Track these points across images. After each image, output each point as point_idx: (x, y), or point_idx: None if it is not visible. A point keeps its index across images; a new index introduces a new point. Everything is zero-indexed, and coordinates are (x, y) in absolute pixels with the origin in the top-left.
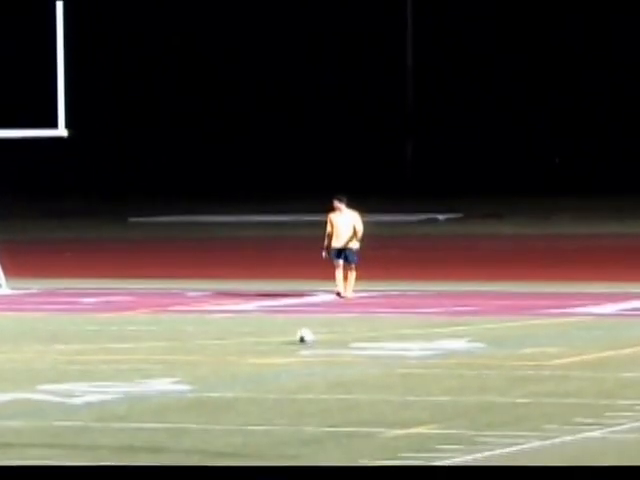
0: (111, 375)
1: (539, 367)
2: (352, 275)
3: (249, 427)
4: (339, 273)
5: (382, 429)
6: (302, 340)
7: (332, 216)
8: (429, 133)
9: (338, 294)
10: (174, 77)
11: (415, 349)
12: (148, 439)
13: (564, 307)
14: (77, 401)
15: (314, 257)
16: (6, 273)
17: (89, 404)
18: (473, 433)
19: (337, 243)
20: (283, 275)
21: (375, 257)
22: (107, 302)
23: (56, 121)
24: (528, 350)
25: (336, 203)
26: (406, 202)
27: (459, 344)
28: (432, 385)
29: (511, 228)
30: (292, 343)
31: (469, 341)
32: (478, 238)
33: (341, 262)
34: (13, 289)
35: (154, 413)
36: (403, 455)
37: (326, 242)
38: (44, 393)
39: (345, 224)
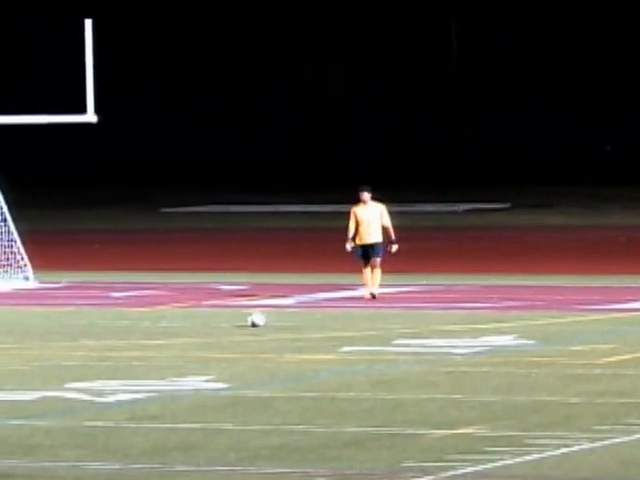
0: (143, 373)
1: (590, 365)
2: (377, 271)
3: (287, 427)
4: (367, 271)
5: (427, 430)
6: (254, 325)
7: (356, 209)
8: (478, 121)
9: (372, 296)
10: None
11: (461, 346)
12: (182, 439)
13: (616, 302)
14: (108, 400)
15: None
16: (33, 265)
17: (120, 403)
18: (522, 434)
19: (363, 239)
20: (322, 268)
21: (419, 249)
22: (138, 296)
23: (85, 107)
24: (579, 347)
25: (362, 194)
26: (452, 192)
27: (507, 341)
28: (479, 384)
29: (560, 219)
30: (332, 339)
31: (517, 338)
32: (526, 229)
33: (368, 259)
34: (41, 282)
35: (188, 412)
36: (449, 457)
37: (350, 234)
38: (74, 391)
39: (371, 218)
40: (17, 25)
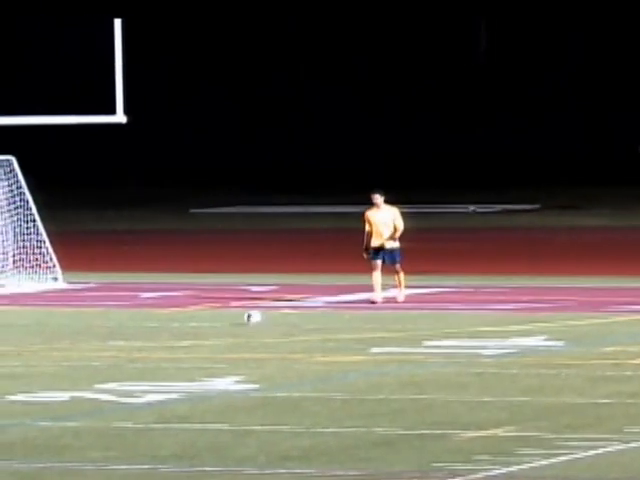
0: (172, 374)
1: (620, 366)
2: (401, 277)
3: (317, 428)
4: (376, 275)
5: (457, 431)
6: (249, 319)
7: (369, 213)
8: (505, 120)
9: (372, 302)
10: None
11: (490, 347)
12: (211, 440)
13: None
14: (137, 401)
15: None
16: (62, 266)
17: (150, 404)
18: (552, 435)
19: (376, 242)
20: (351, 269)
21: (448, 250)
22: (168, 297)
23: (114, 107)
24: (609, 348)
25: (374, 198)
26: (480, 193)
27: (536, 342)
28: (509, 385)
29: (590, 220)
30: (361, 340)
31: (547, 339)
32: (555, 230)
33: (379, 263)
34: (69, 283)
35: (217, 413)
36: (479, 458)
37: (365, 241)
38: (103, 392)
39: (384, 221)
40: (17, 25)
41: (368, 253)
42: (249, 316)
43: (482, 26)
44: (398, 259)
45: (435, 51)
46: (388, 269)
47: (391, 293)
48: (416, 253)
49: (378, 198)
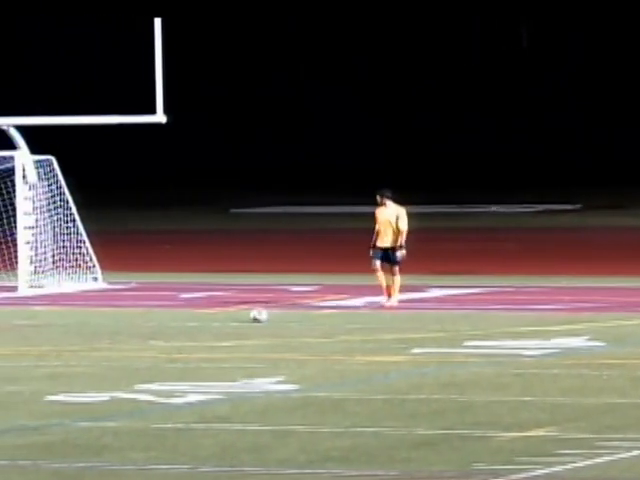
0: (213, 374)
1: None
2: (396, 279)
3: (357, 429)
4: (381, 277)
5: (497, 431)
6: (255, 320)
7: (377, 212)
8: (547, 121)
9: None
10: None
11: (531, 348)
12: (251, 441)
13: None
14: (177, 401)
15: (425, 250)
16: (102, 266)
17: (190, 404)
18: (593, 436)
19: (381, 242)
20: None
21: (488, 250)
22: (208, 297)
23: (154, 107)
24: None
25: (380, 198)
26: (525, 193)
27: (578, 342)
28: (550, 385)
29: (632, 220)
30: (402, 341)
31: (588, 339)
32: (597, 230)
33: (378, 263)
34: (109, 283)
35: (258, 414)
36: (519, 459)
37: (373, 239)
38: (143, 393)
39: (387, 220)
40: (17, 25)
41: (374, 252)
42: (256, 317)
43: (523, 23)
44: (396, 259)
45: (435, 51)
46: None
47: (441, 292)
48: (457, 253)
49: (383, 198)
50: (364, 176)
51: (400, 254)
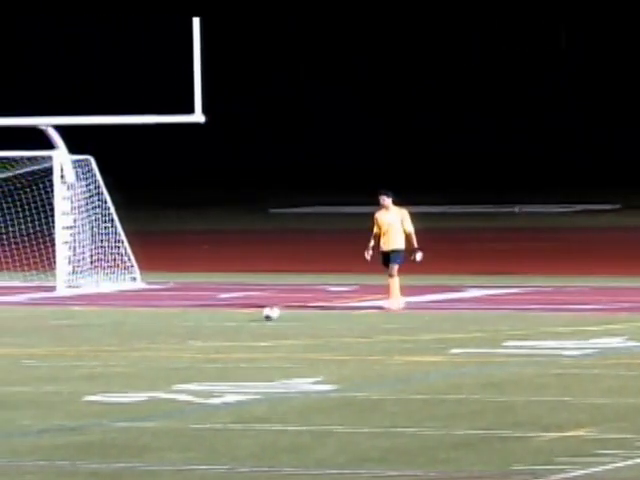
0: (251, 374)
1: None
2: (395, 281)
3: (396, 429)
4: (395, 281)
5: (537, 432)
6: (268, 318)
7: (378, 215)
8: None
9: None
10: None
11: (571, 348)
12: (290, 442)
13: None
14: (215, 402)
15: (464, 250)
16: (140, 266)
17: (228, 405)
18: (633, 436)
19: (384, 246)
20: (430, 270)
21: (526, 250)
22: (246, 297)
23: (193, 107)
24: None
25: (382, 199)
26: (559, 193)
27: (617, 342)
28: (589, 386)
29: None
30: (441, 341)
31: (627, 339)
32: (636, 230)
33: (396, 268)
34: (147, 283)
35: (296, 414)
36: (559, 460)
37: (371, 242)
38: (181, 393)
39: (391, 224)
40: (17, 25)
41: (371, 255)
42: (268, 315)
43: (562, 27)
44: (397, 261)
45: (435, 51)
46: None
47: (480, 292)
48: (495, 253)
49: (385, 200)
50: (365, 176)
51: (420, 256)
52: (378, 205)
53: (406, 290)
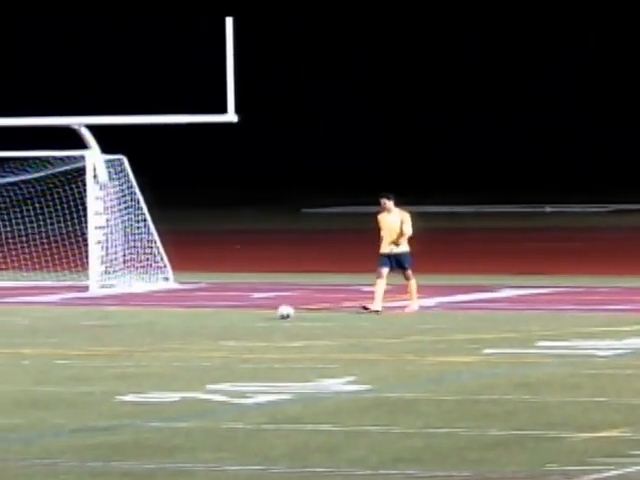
0: (284, 374)
1: None
2: (412, 283)
3: (429, 430)
4: (380, 283)
5: (570, 432)
6: (283, 317)
7: (379, 217)
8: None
9: (364, 307)
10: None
11: (604, 348)
12: (323, 442)
13: None
14: (248, 401)
15: (497, 250)
16: (173, 266)
17: (261, 405)
18: None
19: (385, 248)
20: (463, 269)
21: (560, 250)
22: (279, 297)
23: (225, 106)
24: None
25: (383, 203)
26: (603, 192)
27: None
28: (623, 386)
29: None
30: (474, 341)
31: None
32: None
33: (385, 271)
34: (180, 283)
35: (329, 414)
36: (593, 460)
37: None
38: (214, 393)
39: (392, 226)
40: (17, 25)
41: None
42: (282, 314)
43: (590, 27)
44: (407, 264)
45: (435, 51)
46: (399, 276)
47: (512, 292)
48: (528, 253)
49: (387, 202)
50: (365, 177)
51: (407, 249)
52: (365, 205)
53: (439, 290)
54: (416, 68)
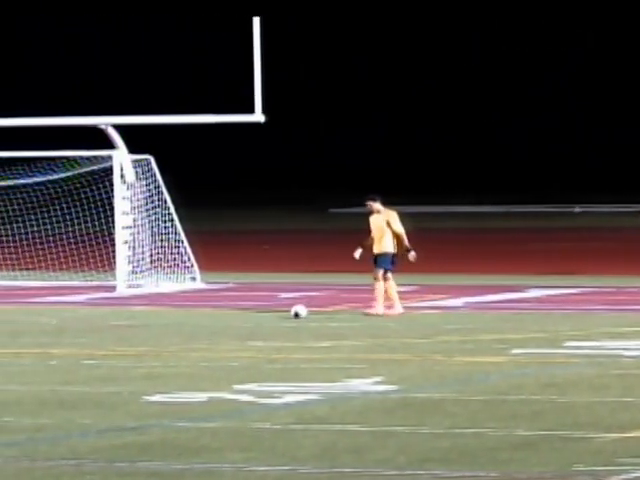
0: (311, 375)
1: None
2: (388, 285)
3: (457, 430)
4: (378, 286)
5: (598, 433)
6: (297, 315)
7: (370, 219)
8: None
9: (366, 314)
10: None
11: (632, 348)
12: (351, 442)
13: None
14: (276, 402)
15: (525, 250)
16: (200, 266)
17: (288, 405)
18: None
19: (375, 249)
20: (491, 270)
21: (588, 250)
22: (307, 297)
23: (253, 106)
24: None
25: (369, 205)
26: (619, 193)
27: None
28: None
29: None
30: (502, 341)
31: None
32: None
33: (381, 273)
34: (207, 283)
35: (357, 414)
36: (621, 461)
37: (367, 241)
38: (241, 393)
39: (379, 226)
40: (17, 25)
41: (360, 254)
42: (296, 312)
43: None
44: (382, 265)
45: (435, 51)
46: (397, 278)
47: (540, 292)
48: (556, 253)
49: (372, 205)
50: (366, 177)
51: (412, 256)
52: (394, 205)
53: (466, 290)
54: (416, 68)
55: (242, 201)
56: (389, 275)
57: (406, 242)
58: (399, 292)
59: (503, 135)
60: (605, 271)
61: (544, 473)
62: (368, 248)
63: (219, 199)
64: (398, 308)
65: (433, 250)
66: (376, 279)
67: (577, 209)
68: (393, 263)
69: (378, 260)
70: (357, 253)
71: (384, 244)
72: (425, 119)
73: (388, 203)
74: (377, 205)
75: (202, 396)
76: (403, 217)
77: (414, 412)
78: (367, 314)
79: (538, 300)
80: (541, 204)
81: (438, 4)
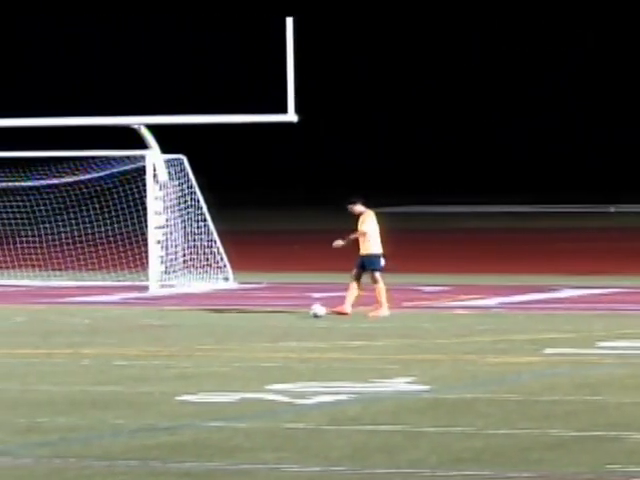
0: (344, 375)
1: None
2: (376, 288)
3: (489, 430)
4: (378, 288)
5: (632, 433)
6: (316, 316)
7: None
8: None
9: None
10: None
11: None
12: (383, 442)
13: None
14: (308, 402)
15: (556, 250)
16: (233, 266)
17: (321, 405)
18: None
19: (361, 249)
20: (524, 269)
21: (620, 250)
22: (338, 297)
23: (285, 106)
24: None
25: (350, 209)
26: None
27: None
28: None
29: None
30: (534, 341)
31: None
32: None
33: (377, 274)
34: (240, 283)
35: (389, 414)
36: None
37: (353, 235)
38: (274, 393)
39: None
40: (17, 25)
41: (340, 243)
42: (315, 313)
43: (590, 26)
44: (371, 267)
45: (435, 51)
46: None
47: (575, 292)
48: (589, 253)
49: (353, 208)
50: (367, 177)
51: (337, 243)
52: (397, 205)
53: (499, 290)
54: (416, 68)
55: (274, 201)
56: (377, 276)
57: (353, 236)
58: (434, 292)
59: (503, 135)
60: (638, 271)
61: (577, 473)
62: (350, 243)
63: (252, 199)
64: (384, 311)
65: (465, 249)
66: (375, 281)
67: (612, 209)
68: (380, 263)
69: (366, 262)
70: (338, 242)
71: (368, 245)
72: (425, 119)
73: (388, 203)
74: (358, 207)
75: (234, 396)
76: (406, 217)
77: (446, 412)
78: (373, 317)
79: (571, 300)
80: (570, 204)
81: (438, 4)
